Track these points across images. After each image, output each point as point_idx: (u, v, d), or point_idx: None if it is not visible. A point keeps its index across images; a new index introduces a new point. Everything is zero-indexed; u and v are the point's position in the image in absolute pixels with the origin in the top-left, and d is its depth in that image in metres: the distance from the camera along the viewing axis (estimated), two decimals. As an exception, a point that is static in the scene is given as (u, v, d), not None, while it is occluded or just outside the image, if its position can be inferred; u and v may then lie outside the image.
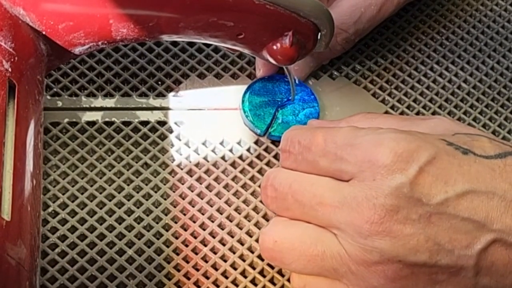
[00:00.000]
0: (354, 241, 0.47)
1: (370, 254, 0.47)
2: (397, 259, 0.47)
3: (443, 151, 0.47)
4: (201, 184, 0.55)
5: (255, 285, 0.53)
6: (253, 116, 0.58)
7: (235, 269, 0.53)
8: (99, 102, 0.58)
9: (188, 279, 0.52)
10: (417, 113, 0.61)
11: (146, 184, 0.55)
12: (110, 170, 0.55)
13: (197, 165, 0.56)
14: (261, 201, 0.55)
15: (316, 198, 0.48)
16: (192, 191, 0.55)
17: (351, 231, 0.47)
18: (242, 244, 0.54)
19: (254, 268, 0.53)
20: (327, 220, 0.48)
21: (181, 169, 0.56)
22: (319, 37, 0.53)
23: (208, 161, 0.56)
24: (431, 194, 0.46)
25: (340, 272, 0.48)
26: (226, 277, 0.53)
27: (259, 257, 0.53)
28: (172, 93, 0.59)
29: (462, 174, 0.47)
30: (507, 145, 0.49)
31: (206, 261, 0.53)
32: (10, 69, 0.47)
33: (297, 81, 0.60)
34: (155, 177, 0.55)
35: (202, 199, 0.55)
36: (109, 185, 0.54)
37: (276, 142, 0.58)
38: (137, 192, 0.55)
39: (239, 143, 0.58)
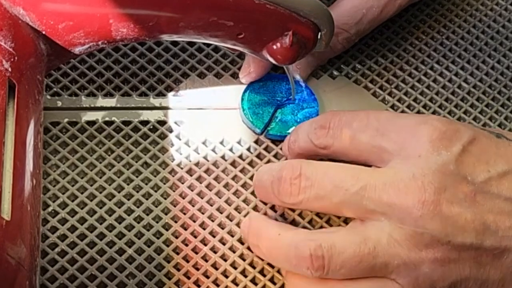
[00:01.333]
0: (404, 225, 0.46)
1: (421, 236, 0.46)
2: (446, 240, 0.46)
3: (481, 133, 0.48)
4: (201, 183, 0.55)
5: (255, 284, 0.53)
6: (252, 115, 0.58)
7: (235, 268, 0.53)
8: (99, 101, 0.58)
9: (188, 278, 0.52)
10: (418, 113, 0.61)
11: (146, 184, 0.55)
12: (110, 170, 0.55)
13: (197, 164, 0.56)
14: (261, 201, 0.55)
15: (359, 182, 0.47)
16: (192, 191, 0.55)
17: (400, 213, 0.46)
18: (242, 244, 0.54)
19: (254, 268, 0.53)
20: (372, 205, 0.47)
21: (181, 168, 0.56)
22: (319, 36, 0.53)
23: (208, 161, 0.57)
24: (475, 173, 0.46)
25: (391, 267, 0.48)
26: (226, 277, 0.53)
27: (259, 256, 0.53)
28: (172, 93, 0.59)
29: (501, 155, 0.48)
30: None
31: (206, 261, 0.53)
32: (10, 69, 0.47)
33: (300, 81, 0.60)
34: (155, 176, 0.55)
35: (202, 198, 0.55)
36: (109, 185, 0.55)
37: (276, 141, 0.58)
38: (137, 192, 0.55)
39: (239, 142, 0.58)
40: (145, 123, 0.57)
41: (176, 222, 0.54)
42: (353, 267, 0.48)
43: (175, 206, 0.54)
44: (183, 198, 0.55)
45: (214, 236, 0.54)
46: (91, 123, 0.57)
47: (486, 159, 0.47)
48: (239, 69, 0.61)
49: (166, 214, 0.54)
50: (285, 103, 0.59)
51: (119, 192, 0.54)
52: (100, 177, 0.55)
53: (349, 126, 0.49)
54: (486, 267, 0.48)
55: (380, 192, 0.47)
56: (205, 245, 0.53)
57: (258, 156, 0.57)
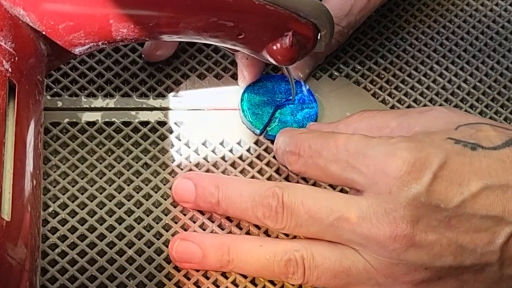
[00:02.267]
0: (380, 256, 0.47)
1: (397, 266, 0.47)
2: (423, 267, 0.47)
3: (453, 153, 0.48)
4: (201, 184, 0.55)
5: (255, 285, 0.52)
6: (251, 115, 0.58)
7: (235, 269, 0.53)
8: (99, 102, 0.58)
9: (188, 279, 0.52)
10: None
11: (146, 185, 0.55)
12: (110, 171, 0.55)
13: (197, 165, 0.56)
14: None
15: (334, 213, 0.48)
16: (192, 191, 0.55)
17: (374, 246, 0.47)
18: (242, 244, 0.54)
19: (254, 268, 0.53)
20: (347, 236, 0.48)
21: (181, 169, 0.56)
22: (319, 37, 0.53)
23: (208, 162, 0.56)
24: (448, 199, 0.47)
25: (366, 285, 0.49)
26: (226, 277, 0.53)
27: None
28: (172, 93, 0.59)
29: (475, 172, 0.47)
30: (509, 129, 0.50)
31: (206, 261, 0.53)
32: (10, 69, 0.47)
33: (301, 81, 0.60)
34: (155, 177, 0.55)
35: (202, 199, 0.55)
36: (109, 185, 0.54)
37: (275, 142, 0.58)
38: (137, 193, 0.55)
39: (239, 143, 0.58)
40: (145, 124, 0.57)
41: (176, 223, 0.54)
42: (328, 280, 0.49)
43: (175, 207, 0.54)
44: (183, 199, 0.55)
45: (214, 237, 0.54)
46: (91, 123, 0.57)
47: (459, 180, 0.47)
48: (239, 69, 0.61)
49: (166, 215, 0.54)
50: (284, 103, 0.59)
51: (119, 193, 0.54)
52: (100, 178, 0.55)
53: (319, 155, 0.50)
54: (469, 282, 0.48)
55: (353, 226, 0.48)
56: (205, 246, 0.53)
57: (258, 157, 0.57)
